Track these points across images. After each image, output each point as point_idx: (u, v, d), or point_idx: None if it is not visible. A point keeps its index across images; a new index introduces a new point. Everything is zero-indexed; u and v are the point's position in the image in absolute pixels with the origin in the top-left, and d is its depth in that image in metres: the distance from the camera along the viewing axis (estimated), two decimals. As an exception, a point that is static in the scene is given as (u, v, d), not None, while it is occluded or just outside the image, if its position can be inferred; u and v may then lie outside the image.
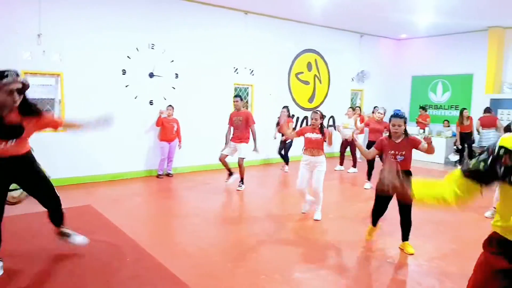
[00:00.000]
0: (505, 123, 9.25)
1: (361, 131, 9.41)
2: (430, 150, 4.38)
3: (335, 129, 11.84)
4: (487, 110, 10.21)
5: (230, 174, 7.44)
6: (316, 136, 5.53)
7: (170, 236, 5.11)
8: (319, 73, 11.61)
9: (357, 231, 5.21)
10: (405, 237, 4.59)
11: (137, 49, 8.15)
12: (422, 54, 12.99)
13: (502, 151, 1.84)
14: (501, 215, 1.99)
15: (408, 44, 13.36)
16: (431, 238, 5.07)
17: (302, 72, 11.16)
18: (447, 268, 4.11)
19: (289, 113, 9.59)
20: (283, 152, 9.44)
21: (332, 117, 12.01)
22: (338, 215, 6.01)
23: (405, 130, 4.45)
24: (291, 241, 4.96)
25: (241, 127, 7.22)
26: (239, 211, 6.46)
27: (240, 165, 7.29)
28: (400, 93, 13.56)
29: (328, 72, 11.82)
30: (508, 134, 1.91)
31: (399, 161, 4.34)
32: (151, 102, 8.43)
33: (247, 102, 10.18)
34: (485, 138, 9.83)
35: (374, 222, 4.77)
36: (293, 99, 11.01)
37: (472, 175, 1.93)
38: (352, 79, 12.53)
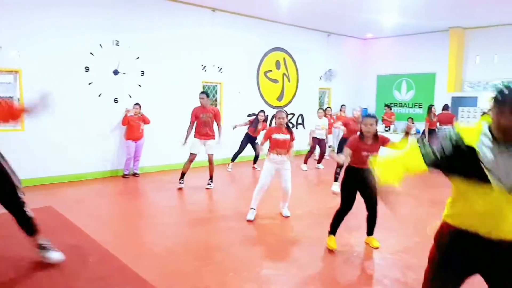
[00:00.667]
0: (465, 121, 9.62)
1: (330, 131, 9.57)
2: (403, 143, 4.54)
3: (303, 127, 11.95)
4: (445, 108, 10.58)
5: (182, 177, 7.27)
6: (284, 136, 5.50)
7: (136, 236, 4.98)
8: (287, 71, 11.67)
9: (324, 227, 5.25)
10: (370, 231, 4.69)
11: (101, 46, 7.91)
12: (387, 53, 13.31)
13: (461, 142, 1.89)
14: (452, 203, 2.07)
15: (374, 44, 13.66)
16: (395, 232, 5.18)
17: (270, 71, 11.18)
18: (411, 260, 4.21)
19: (266, 118, 9.54)
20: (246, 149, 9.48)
21: (301, 115, 12.11)
22: (305, 211, 6.05)
23: (376, 131, 4.51)
24: (259, 238, 4.95)
25: (210, 123, 7.14)
26: (207, 209, 6.39)
27: (210, 162, 7.22)
28: (366, 91, 13.85)
29: (297, 70, 11.91)
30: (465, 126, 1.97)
31: None
32: (116, 100, 8.21)
33: (215, 100, 10.10)
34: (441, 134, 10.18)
35: (335, 229, 4.60)
36: (262, 97, 11.02)
37: (431, 162, 1.96)
38: (320, 78, 12.68)
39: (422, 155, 1.97)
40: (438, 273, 2.09)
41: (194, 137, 7.17)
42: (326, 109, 10.62)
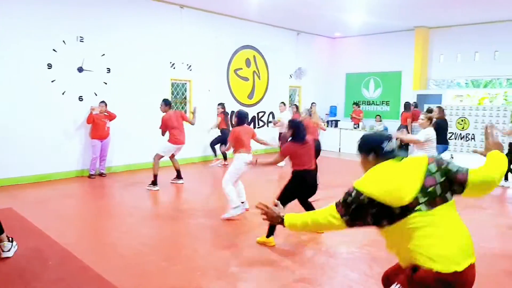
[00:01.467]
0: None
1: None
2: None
3: (268, 125, 11.96)
4: (406, 106, 10.89)
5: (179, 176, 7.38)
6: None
7: (101, 237, 4.84)
8: (257, 69, 11.67)
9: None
10: None
11: (64, 42, 7.65)
12: (355, 52, 13.53)
13: (363, 197, 1.94)
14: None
15: (342, 43, 13.86)
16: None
17: (241, 68, 11.15)
18: (376, 253, 4.27)
19: (224, 110, 9.50)
20: (217, 146, 9.48)
21: (271, 113, 12.13)
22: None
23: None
24: (227, 236, 4.91)
25: (182, 126, 7.15)
26: (177, 208, 6.28)
27: (173, 155, 7.27)
28: (335, 89, 14.04)
29: (267, 68, 11.92)
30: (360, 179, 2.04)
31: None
32: (80, 98, 7.96)
33: (185, 98, 9.97)
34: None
35: (272, 231, 4.50)
36: (233, 95, 10.97)
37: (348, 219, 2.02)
38: (290, 76, 12.75)
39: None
40: None
41: (169, 142, 7.12)
42: (292, 105, 10.68)
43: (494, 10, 9.58)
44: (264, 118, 12.04)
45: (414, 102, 11.05)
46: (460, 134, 9.94)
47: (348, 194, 2.00)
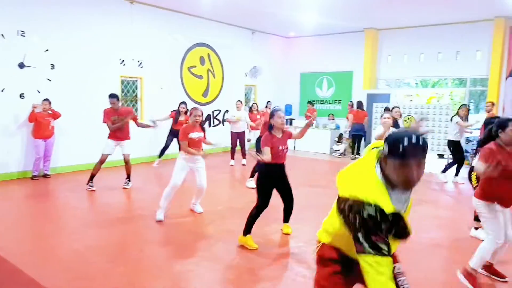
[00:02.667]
0: (379, 116, 10.23)
1: (257, 127, 9.69)
2: (302, 134, 4.85)
3: (223, 124, 11.90)
4: (359, 105, 11.24)
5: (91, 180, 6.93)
6: (199, 135, 5.42)
7: (40, 241, 4.59)
8: (212, 67, 11.58)
9: (243, 220, 5.26)
10: (286, 219, 4.84)
11: (3, 36, 7.21)
12: (309, 52, 13.76)
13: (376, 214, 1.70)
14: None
15: (296, 42, 14.06)
16: (311, 221, 5.34)
17: (195, 66, 11.02)
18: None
19: (187, 110, 9.34)
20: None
21: (227, 111, 12.08)
22: (227, 206, 6.04)
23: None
24: (177, 236, 4.83)
25: (122, 125, 6.80)
26: (123, 209, 6.11)
27: (127, 161, 6.93)
28: (290, 88, 14.21)
29: (222, 66, 11.87)
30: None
31: (285, 154, 4.56)
32: (22, 96, 7.54)
33: (136, 96, 9.72)
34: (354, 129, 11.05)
35: (251, 228, 4.50)
36: (187, 93, 10.81)
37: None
38: (246, 75, 12.77)
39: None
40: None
41: (109, 138, 6.80)
42: (252, 104, 10.67)
43: (437, 13, 10.07)
44: (220, 117, 11.98)
45: (358, 101, 11.38)
46: (407, 131, 10.36)
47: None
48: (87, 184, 6.81)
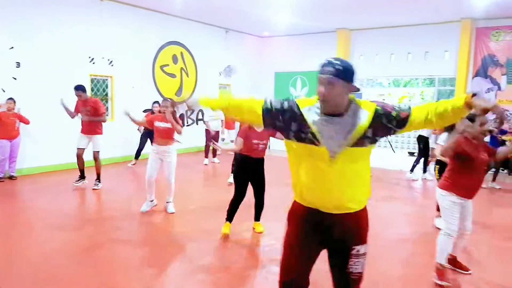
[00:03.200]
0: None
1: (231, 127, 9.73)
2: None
3: (204, 122, 11.82)
4: None
5: (82, 177, 6.85)
6: (166, 125, 5.38)
7: (6, 244, 4.40)
8: (185, 66, 11.47)
9: (216, 219, 5.25)
10: (257, 217, 4.85)
11: (-36, 32, 6.93)
12: (283, 51, 13.82)
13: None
14: (293, 185, 2.18)
15: (271, 42, 14.09)
16: (282, 219, 5.36)
17: (167, 65, 10.88)
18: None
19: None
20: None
21: (201, 110, 11.99)
22: (198, 206, 5.99)
23: None
24: (148, 236, 4.77)
25: (97, 113, 6.67)
26: (94, 210, 5.97)
27: (96, 159, 6.77)
28: (265, 88, 14.21)
29: (195, 65, 11.76)
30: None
31: (261, 149, 4.57)
32: (-15, 94, 7.27)
33: (106, 95, 9.51)
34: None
35: (231, 217, 4.70)
36: (159, 92, 10.65)
37: (266, 110, 2.08)
38: (220, 74, 12.71)
39: (262, 104, 2.08)
40: (293, 250, 2.17)
41: (81, 132, 6.72)
42: None
43: (407, 14, 10.30)
44: (193, 116, 11.87)
45: None
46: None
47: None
48: (77, 182, 6.78)
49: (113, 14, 9.26)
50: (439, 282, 3.51)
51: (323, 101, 1.97)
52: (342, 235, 2.08)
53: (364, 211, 2.14)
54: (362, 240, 2.11)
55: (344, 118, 1.99)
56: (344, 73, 1.94)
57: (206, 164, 9.60)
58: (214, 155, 9.88)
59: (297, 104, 2.05)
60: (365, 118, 1.98)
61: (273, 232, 4.78)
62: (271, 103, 2.08)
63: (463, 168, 3.48)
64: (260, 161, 4.64)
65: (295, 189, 2.16)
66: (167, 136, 5.39)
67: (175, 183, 5.57)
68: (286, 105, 2.06)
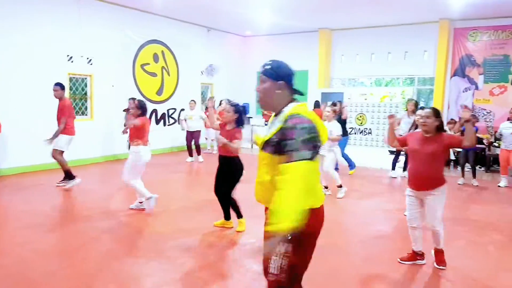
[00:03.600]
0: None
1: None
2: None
3: (179, 122, 11.75)
4: (316, 105, 11.44)
5: (67, 177, 6.73)
6: (133, 122, 5.32)
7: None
8: (167, 65, 11.37)
9: (197, 219, 5.23)
10: (226, 215, 4.88)
11: None
12: (265, 51, 13.80)
13: (314, 126, 2.05)
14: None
15: (253, 41, 14.10)
16: (263, 218, 5.36)
17: (148, 64, 10.76)
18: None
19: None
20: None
21: (183, 110, 11.88)
22: (181, 205, 5.94)
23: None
24: (125, 236, 4.70)
25: (58, 117, 6.64)
26: (72, 211, 5.85)
27: (53, 157, 6.65)
28: (247, 87, 14.19)
29: (177, 64, 11.67)
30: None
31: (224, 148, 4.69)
32: (-42, 93, 7.06)
33: (85, 94, 9.35)
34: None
35: (237, 212, 4.80)
36: (140, 91, 10.53)
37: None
38: (202, 73, 12.64)
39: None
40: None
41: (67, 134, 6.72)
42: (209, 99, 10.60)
43: (387, 15, 10.44)
44: (175, 115, 11.78)
45: (316, 101, 11.60)
46: (359, 128, 10.68)
47: (304, 127, 1.95)
48: (65, 181, 6.70)
49: (92, 12, 9.11)
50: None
51: (258, 98, 2.22)
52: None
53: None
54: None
55: (274, 117, 2.18)
56: (271, 72, 2.13)
57: (187, 161, 9.64)
58: (199, 153, 9.83)
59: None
60: (279, 123, 2.07)
61: (252, 231, 4.77)
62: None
63: (410, 160, 3.80)
64: (227, 160, 4.63)
65: None
66: (134, 135, 5.31)
67: (136, 182, 5.38)
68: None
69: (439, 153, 3.61)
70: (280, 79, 2.13)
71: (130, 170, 5.29)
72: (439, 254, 3.86)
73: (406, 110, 8.50)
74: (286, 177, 1.90)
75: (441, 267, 3.81)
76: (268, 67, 2.15)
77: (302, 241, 2.07)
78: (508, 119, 7.67)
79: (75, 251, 4.17)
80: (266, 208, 2.23)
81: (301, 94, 2.18)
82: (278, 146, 2.01)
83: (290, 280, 2.10)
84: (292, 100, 2.16)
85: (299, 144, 1.92)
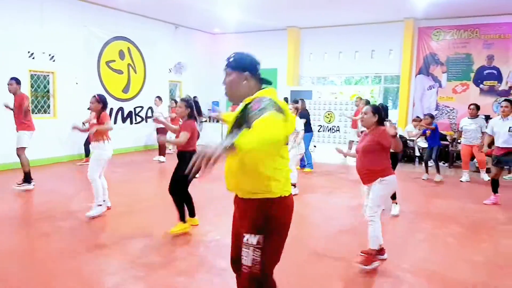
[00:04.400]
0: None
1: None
2: None
3: (153, 121, 11.56)
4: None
5: (26, 179, 6.46)
6: (93, 121, 5.20)
7: None
8: (133, 62, 11.13)
9: (163, 218, 5.13)
10: (191, 213, 4.80)
11: None
12: (234, 48, 13.19)
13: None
14: None
15: (222, 39, 14.01)
16: (229, 214, 5.32)
17: (113, 61, 10.51)
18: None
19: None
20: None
21: (150, 108, 11.68)
22: (146, 205, 5.82)
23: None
24: (87, 235, 4.56)
25: (15, 112, 6.37)
26: (33, 212, 5.63)
27: (18, 156, 6.38)
28: (217, 85, 14.03)
29: (144, 61, 11.45)
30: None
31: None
32: None
33: (48, 91, 9.02)
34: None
35: (186, 215, 4.63)
36: (105, 89, 10.23)
37: None
38: (170, 70, 12.45)
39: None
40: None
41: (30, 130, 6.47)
42: (172, 100, 10.48)
43: (354, 14, 10.59)
44: (142, 113, 11.56)
45: (285, 98, 11.67)
46: (327, 126, 10.80)
47: (270, 100, 1.96)
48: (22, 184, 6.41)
49: (55, 8, 8.82)
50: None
51: (224, 89, 2.19)
52: (237, 220, 2.21)
53: (255, 201, 2.06)
54: (250, 230, 2.06)
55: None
56: (235, 64, 2.15)
57: (155, 160, 9.52)
58: (160, 153, 9.64)
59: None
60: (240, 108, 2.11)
61: (218, 228, 4.73)
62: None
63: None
64: (180, 154, 4.56)
65: None
66: (97, 132, 5.15)
67: (98, 183, 5.18)
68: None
69: (372, 146, 3.70)
70: (245, 70, 2.12)
71: (94, 167, 5.12)
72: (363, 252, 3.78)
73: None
74: (257, 122, 1.83)
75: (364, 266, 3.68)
76: (232, 59, 2.17)
77: (273, 232, 2.06)
78: (469, 116, 7.91)
79: (36, 252, 4.04)
80: (236, 197, 2.21)
81: (269, 83, 2.17)
82: (244, 120, 2.00)
83: (264, 273, 2.08)
84: (260, 89, 2.16)
85: (268, 107, 1.92)
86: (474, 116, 7.81)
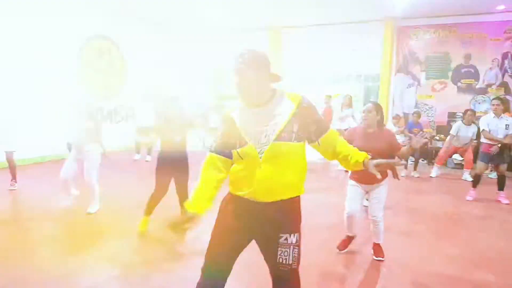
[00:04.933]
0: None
1: None
2: None
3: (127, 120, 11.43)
4: None
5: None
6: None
7: None
8: (114, 61, 10.98)
9: (139, 218, 5.09)
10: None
11: None
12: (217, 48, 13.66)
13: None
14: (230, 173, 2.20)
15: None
16: (213, 212, 5.30)
17: (94, 59, 10.34)
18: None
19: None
20: None
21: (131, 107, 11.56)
22: (124, 205, 5.77)
23: None
24: (68, 236, 4.51)
25: None
26: (12, 212, 5.52)
27: (9, 160, 6.32)
28: (200, 85, 14.04)
29: (124, 60, 11.32)
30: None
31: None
32: None
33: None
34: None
35: (150, 211, 4.54)
36: (85, 87, 10.09)
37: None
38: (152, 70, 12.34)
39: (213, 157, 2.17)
40: (223, 238, 2.20)
41: None
42: None
43: (334, 12, 10.69)
44: (124, 113, 11.43)
45: None
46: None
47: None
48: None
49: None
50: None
51: (238, 92, 1.99)
52: (269, 223, 2.08)
53: (295, 200, 2.15)
54: (291, 229, 2.10)
55: (264, 109, 2.00)
56: (252, 61, 1.96)
57: (136, 159, 9.44)
58: (150, 152, 9.59)
59: (226, 114, 2.11)
60: (289, 109, 2.00)
61: (203, 227, 4.70)
62: (215, 146, 2.17)
63: None
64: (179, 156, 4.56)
65: (230, 180, 2.19)
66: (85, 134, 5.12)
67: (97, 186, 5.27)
68: (221, 127, 2.12)
69: (385, 150, 3.59)
70: (264, 68, 1.99)
71: (94, 170, 5.16)
72: (376, 247, 3.95)
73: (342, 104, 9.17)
74: (336, 134, 2.17)
75: (379, 258, 3.89)
76: (248, 56, 1.96)
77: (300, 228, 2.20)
78: (463, 120, 7.75)
79: (17, 252, 3.97)
80: (252, 203, 2.10)
81: (278, 80, 2.04)
82: (301, 131, 2.02)
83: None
84: (274, 88, 2.06)
85: (324, 121, 2.13)
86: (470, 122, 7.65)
